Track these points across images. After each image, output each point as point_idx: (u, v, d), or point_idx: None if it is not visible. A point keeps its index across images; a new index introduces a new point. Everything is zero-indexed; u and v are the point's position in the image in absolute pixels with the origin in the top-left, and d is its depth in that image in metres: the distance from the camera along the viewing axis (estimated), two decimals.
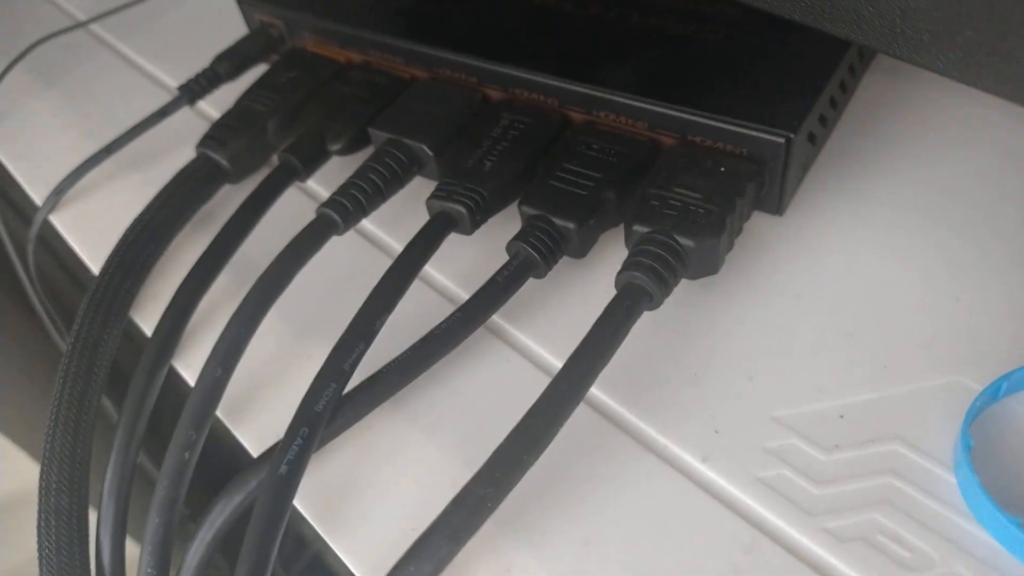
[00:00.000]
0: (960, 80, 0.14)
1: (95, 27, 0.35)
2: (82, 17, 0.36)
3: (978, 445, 0.17)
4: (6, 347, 0.40)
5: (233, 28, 0.29)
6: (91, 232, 0.27)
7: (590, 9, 0.25)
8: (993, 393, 0.17)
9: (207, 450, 0.20)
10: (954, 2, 0.14)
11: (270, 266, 0.21)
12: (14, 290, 0.31)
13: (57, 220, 0.27)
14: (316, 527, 0.18)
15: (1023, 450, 0.17)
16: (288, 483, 0.17)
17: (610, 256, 0.22)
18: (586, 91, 0.22)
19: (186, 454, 0.19)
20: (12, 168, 0.30)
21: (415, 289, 0.21)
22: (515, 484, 0.16)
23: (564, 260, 0.21)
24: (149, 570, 0.19)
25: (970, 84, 0.14)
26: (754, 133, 0.20)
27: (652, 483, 0.17)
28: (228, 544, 0.19)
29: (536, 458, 0.17)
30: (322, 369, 0.19)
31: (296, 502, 0.18)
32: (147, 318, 0.24)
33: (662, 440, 0.18)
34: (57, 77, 0.34)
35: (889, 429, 0.17)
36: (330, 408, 0.18)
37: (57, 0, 0.38)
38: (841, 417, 0.18)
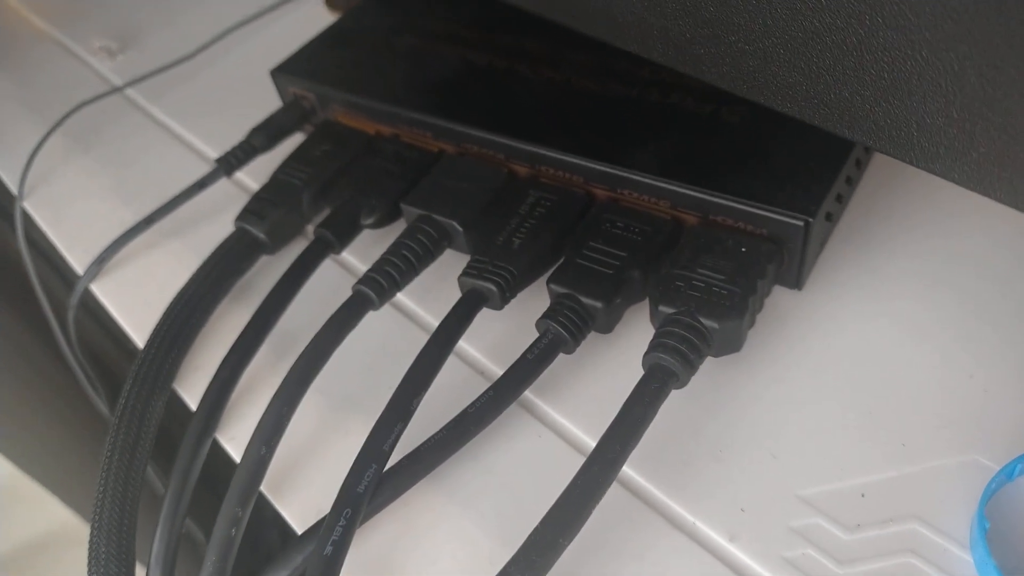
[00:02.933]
0: (976, 191, 0.15)
1: (130, 91, 0.37)
2: (118, 82, 0.37)
3: (993, 524, 0.18)
4: (50, 405, 0.41)
5: (265, 89, 0.30)
6: (132, 301, 0.28)
7: (611, 87, 0.26)
8: (1008, 473, 0.18)
9: (250, 523, 0.21)
10: (968, 120, 0.15)
11: (309, 344, 0.22)
12: (56, 354, 0.32)
13: (98, 289, 0.28)
14: None
15: None
16: (333, 563, 0.18)
17: (636, 330, 0.23)
18: (609, 171, 0.23)
19: (232, 530, 0.20)
20: (52, 235, 0.31)
21: (448, 362, 0.22)
22: (550, 567, 0.17)
23: (591, 334, 0.22)
24: None
25: (984, 194, 0.15)
26: (774, 216, 0.21)
27: (682, 561, 0.18)
28: None
29: (570, 541, 0.17)
30: (362, 450, 0.19)
31: None
32: (190, 389, 0.25)
33: (690, 518, 0.19)
34: (94, 142, 0.35)
35: (908, 508, 0.18)
36: (371, 488, 0.19)
37: (92, 63, 0.40)
38: (862, 496, 0.18)
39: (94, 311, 0.30)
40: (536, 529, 0.17)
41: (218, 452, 0.23)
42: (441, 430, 0.20)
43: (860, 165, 0.24)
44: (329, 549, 0.18)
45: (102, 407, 0.32)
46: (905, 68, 0.15)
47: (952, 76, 0.14)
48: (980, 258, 0.22)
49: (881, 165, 0.25)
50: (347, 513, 0.19)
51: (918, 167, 0.16)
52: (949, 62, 0.14)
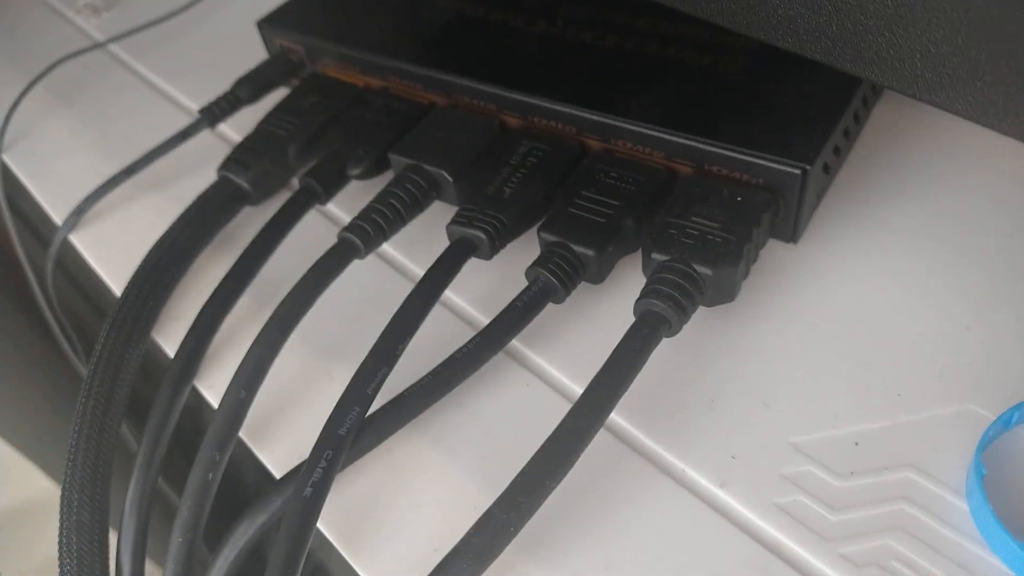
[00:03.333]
0: (979, 122, 0.15)
1: (114, 47, 0.36)
2: (101, 38, 0.36)
3: (990, 473, 0.17)
4: (21, 366, 0.40)
5: (251, 48, 0.30)
6: (111, 252, 0.27)
7: (608, 40, 0.25)
8: (1006, 422, 0.18)
9: (226, 476, 0.20)
10: (974, 48, 0.14)
11: (292, 289, 0.22)
12: (31, 310, 0.31)
13: (77, 240, 0.28)
14: (339, 549, 0.18)
15: None
16: (313, 504, 0.18)
17: (627, 281, 0.22)
18: (603, 120, 0.23)
19: (209, 475, 0.19)
20: (31, 187, 0.30)
21: (435, 313, 0.21)
22: (536, 509, 0.17)
23: (582, 285, 0.22)
24: None
25: (989, 127, 0.15)
26: (771, 164, 0.21)
27: (670, 507, 0.18)
28: (248, 565, 0.19)
29: (557, 483, 0.17)
30: (345, 392, 0.19)
31: (319, 524, 0.18)
32: (169, 339, 0.24)
33: (680, 465, 0.18)
34: (76, 97, 0.34)
35: (903, 456, 0.18)
36: (353, 431, 0.19)
37: (76, 21, 0.39)
38: (856, 444, 0.18)
39: (73, 268, 0.29)
40: (523, 471, 0.17)
41: (198, 411, 0.23)
42: (426, 376, 0.20)
43: (859, 119, 0.24)
44: (309, 491, 0.18)
45: (79, 366, 0.31)
46: None
47: (958, 0, 0.14)
48: (979, 214, 0.22)
49: (880, 121, 0.25)
50: (328, 455, 0.18)
51: (921, 99, 0.16)
52: None
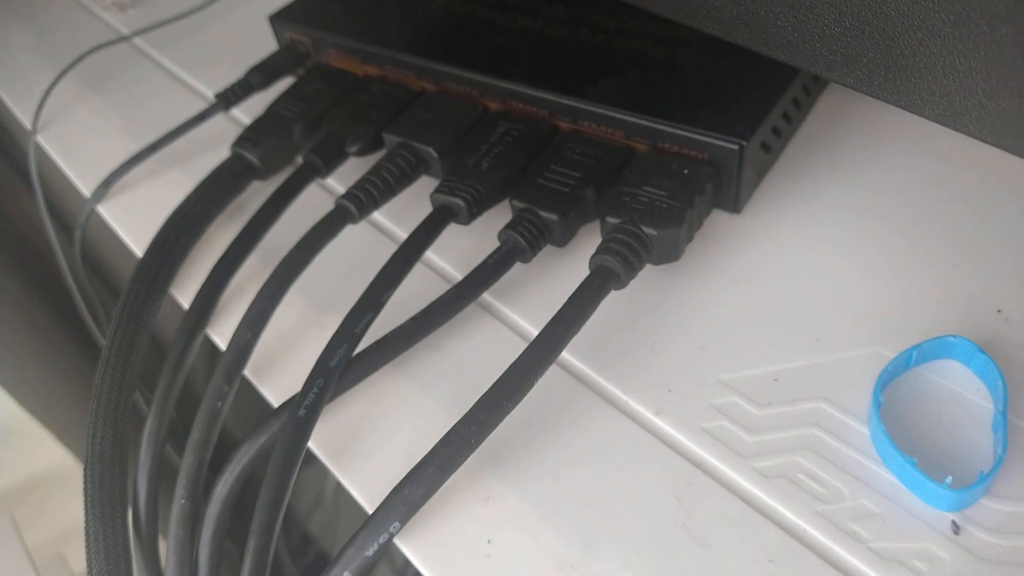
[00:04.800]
0: (865, 92, 0.18)
1: (138, 40, 0.39)
2: (126, 31, 0.39)
3: (891, 405, 0.20)
4: (40, 337, 0.43)
5: (264, 42, 0.33)
6: (135, 220, 0.30)
7: (581, 35, 0.28)
8: (906, 360, 0.20)
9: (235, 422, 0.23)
10: (857, 28, 0.17)
11: (294, 248, 0.24)
12: (54, 285, 0.34)
13: (104, 210, 0.31)
14: (328, 464, 0.21)
15: (928, 408, 0.20)
16: (306, 423, 0.20)
17: (589, 246, 0.25)
18: (571, 103, 0.26)
19: (218, 403, 0.22)
20: (63, 164, 0.34)
21: (420, 272, 0.24)
22: (496, 426, 0.20)
23: (548, 248, 0.24)
24: (183, 501, 0.22)
25: (873, 96, 0.18)
26: (712, 140, 0.23)
27: (612, 430, 0.21)
28: (249, 487, 0.22)
29: (515, 405, 0.20)
30: (336, 332, 0.22)
31: (311, 445, 0.21)
32: (185, 294, 0.27)
33: (623, 397, 0.21)
34: (103, 85, 0.37)
35: (816, 390, 0.20)
36: (342, 364, 0.21)
37: (103, 16, 0.42)
38: (776, 380, 0.21)
39: (99, 238, 0.32)
40: (484, 394, 0.20)
41: (211, 360, 0.26)
42: (407, 321, 0.23)
43: (799, 104, 0.26)
44: (302, 412, 0.21)
45: (99, 336, 0.34)
46: None
47: None
48: (908, 189, 0.25)
49: (825, 107, 0.28)
50: (320, 383, 0.21)
51: (821, 75, 0.18)
52: None
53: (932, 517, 0.18)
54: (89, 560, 0.23)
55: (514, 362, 0.20)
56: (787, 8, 0.18)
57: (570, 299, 0.21)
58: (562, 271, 0.25)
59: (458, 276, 0.26)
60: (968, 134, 0.17)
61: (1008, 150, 0.17)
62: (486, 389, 0.20)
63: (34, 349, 0.44)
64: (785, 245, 0.24)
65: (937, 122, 0.17)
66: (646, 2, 0.22)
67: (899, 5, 0.16)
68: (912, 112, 0.18)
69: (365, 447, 0.22)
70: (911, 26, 0.16)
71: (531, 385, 0.20)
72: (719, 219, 0.25)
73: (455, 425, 0.19)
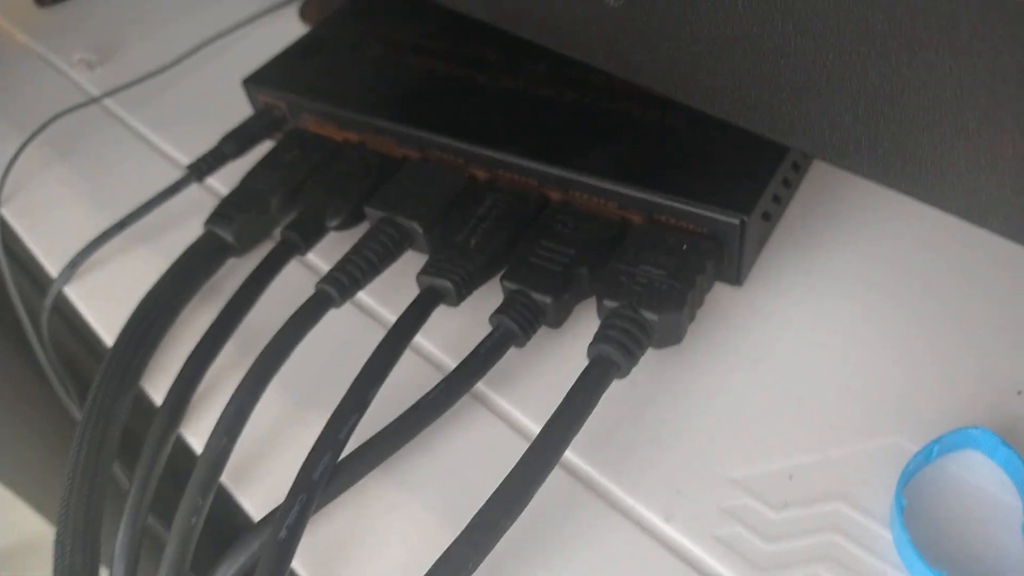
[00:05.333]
0: (880, 183, 0.16)
1: (108, 102, 0.38)
2: (96, 92, 0.38)
3: (913, 503, 0.19)
4: (18, 409, 0.42)
5: (238, 100, 0.31)
6: (104, 303, 0.28)
7: (567, 95, 0.27)
8: (927, 455, 0.19)
9: (211, 513, 0.21)
10: (873, 117, 0.16)
11: (272, 340, 0.23)
12: (28, 356, 0.33)
13: (72, 292, 0.29)
14: None
15: (953, 508, 0.19)
16: (287, 546, 0.19)
17: (584, 325, 0.24)
18: (561, 174, 0.24)
19: (193, 519, 0.21)
20: (28, 240, 0.32)
21: (405, 358, 0.23)
22: (493, 546, 0.18)
23: (542, 329, 0.23)
24: None
25: (888, 187, 0.16)
26: (712, 215, 0.22)
27: (619, 541, 0.19)
28: None
29: (512, 522, 0.18)
30: (319, 439, 0.20)
31: (294, 564, 0.20)
32: (157, 387, 0.25)
33: (629, 500, 0.20)
34: (72, 151, 0.36)
35: (833, 488, 0.19)
36: (326, 476, 0.20)
37: (70, 75, 0.41)
38: (790, 478, 0.19)
39: (67, 317, 0.31)
40: (480, 511, 0.18)
41: (183, 451, 0.24)
42: (395, 420, 0.21)
43: (798, 168, 0.25)
44: (283, 533, 0.19)
45: (74, 410, 0.32)
46: (816, 70, 0.16)
47: (857, 76, 0.16)
48: (909, 259, 0.23)
49: (821, 170, 0.26)
50: (302, 499, 0.20)
51: (830, 163, 0.17)
52: (853, 63, 0.15)
53: None
54: None
55: (511, 472, 0.19)
56: (792, 92, 0.17)
57: (569, 395, 0.20)
58: (558, 354, 0.23)
59: (447, 360, 0.24)
60: (996, 232, 0.15)
61: None
62: (483, 497, 0.18)
63: (8, 421, 0.43)
64: (790, 321, 0.23)
65: (961, 218, 0.16)
66: (645, 80, 0.20)
67: (917, 99, 0.15)
68: (932, 206, 0.16)
69: (352, 563, 0.20)
70: (931, 121, 0.15)
71: (530, 498, 0.19)
72: (720, 291, 0.24)
73: (449, 548, 0.18)
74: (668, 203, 0.23)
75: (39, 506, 0.48)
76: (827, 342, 0.22)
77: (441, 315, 0.24)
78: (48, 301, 0.29)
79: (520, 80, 0.28)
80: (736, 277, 0.24)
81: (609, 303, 0.22)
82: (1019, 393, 0.20)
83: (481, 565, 0.18)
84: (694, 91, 0.19)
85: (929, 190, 0.16)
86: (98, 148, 0.36)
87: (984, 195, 0.15)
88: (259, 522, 0.20)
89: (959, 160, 0.15)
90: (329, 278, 0.24)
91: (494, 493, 0.18)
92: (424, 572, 0.18)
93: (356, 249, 0.25)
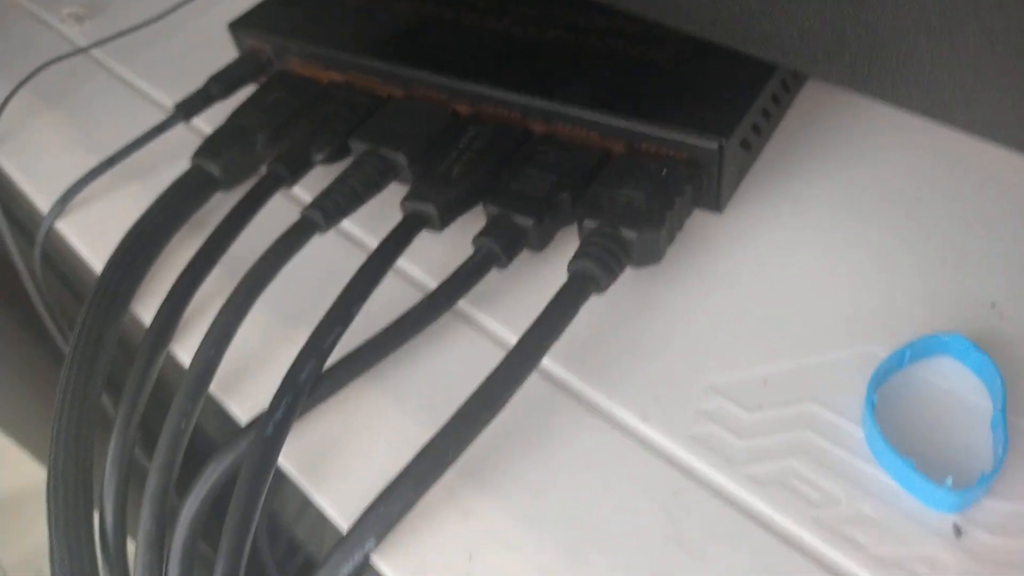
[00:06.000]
0: (849, 88, 0.17)
1: (96, 52, 0.38)
2: (83, 43, 0.38)
3: (884, 405, 0.19)
4: (10, 352, 0.42)
5: (226, 51, 0.32)
6: (95, 237, 0.29)
7: (551, 34, 0.27)
8: (899, 359, 0.20)
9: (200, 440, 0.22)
10: (839, 21, 0.16)
11: (258, 260, 0.23)
12: (19, 298, 0.33)
13: (62, 226, 0.30)
14: (300, 482, 0.20)
15: (924, 409, 0.19)
16: (273, 443, 0.19)
17: (566, 250, 0.24)
18: (544, 105, 0.25)
19: (182, 423, 0.21)
20: (19, 180, 0.32)
21: (392, 282, 0.23)
22: (473, 439, 0.19)
23: (525, 254, 0.24)
24: (148, 526, 0.21)
25: (857, 92, 0.17)
26: (691, 140, 0.23)
27: (596, 440, 0.20)
28: (218, 505, 0.21)
29: (493, 417, 0.19)
30: (304, 347, 0.21)
31: (282, 461, 0.20)
32: (146, 311, 0.26)
33: (607, 404, 0.20)
34: (60, 99, 0.36)
35: (807, 392, 0.20)
36: (311, 380, 0.20)
37: (60, 28, 0.41)
38: (765, 383, 0.20)
39: (58, 254, 0.31)
40: (461, 406, 0.19)
41: (174, 372, 0.25)
42: (379, 333, 0.22)
43: (779, 101, 0.26)
44: (269, 430, 0.19)
45: (64, 347, 0.33)
46: None
47: None
48: (894, 183, 0.24)
49: (805, 103, 0.27)
50: (287, 400, 0.20)
51: (802, 70, 0.18)
52: None
53: (932, 520, 0.17)
54: None
55: (492, 372, 0.19)
56: (763, 2, 0.17)
57: (549, 305, 0.21)
58: (540, 277, 0.24)
59: (432, 285, 0.24)
60: (959, 129, 0.16)
61: (1001, 144, 0.16)
62: (463, 401, 0.19)
63: (3, 363, 0.43)
64: (769, 244, 0.23)
65: (926, 117, 0.16)
66: (618, 1, 0.21)
67: None
68: (899, 107, 0.17)
69: (338, 464, 0.20)
70: (895, 18, 0.16)
71: (510, 395, 0.19)
72: (701, 219, 0.24)
73: (431, 439, 0.18)
74: (648, 130, 0.23)
75: (36, 451, 0.48)
76: (805, 262, 0.23)
77: (426, 241, 0.24)
78: (40, 236, 0.29)
79: (504, 20, 0.28)
80: (716, 204, 0.24)
81: (589, 223, 0.22)
82: (993, 306, 0.21)
83: (462, 457, 0.18)
84: (665, 7, 0.20)
85: (895, 90, 0.17)
86: (87, 96, 0.36)
87: (948, 91, 0.16)
88: (246, 425, 0.21)
89: (923, 58, 0.16)
90: (314, 205, 0.25)
91: (474, 392, 0.19)
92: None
93: (341, 178, 0.25)
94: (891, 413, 0.19)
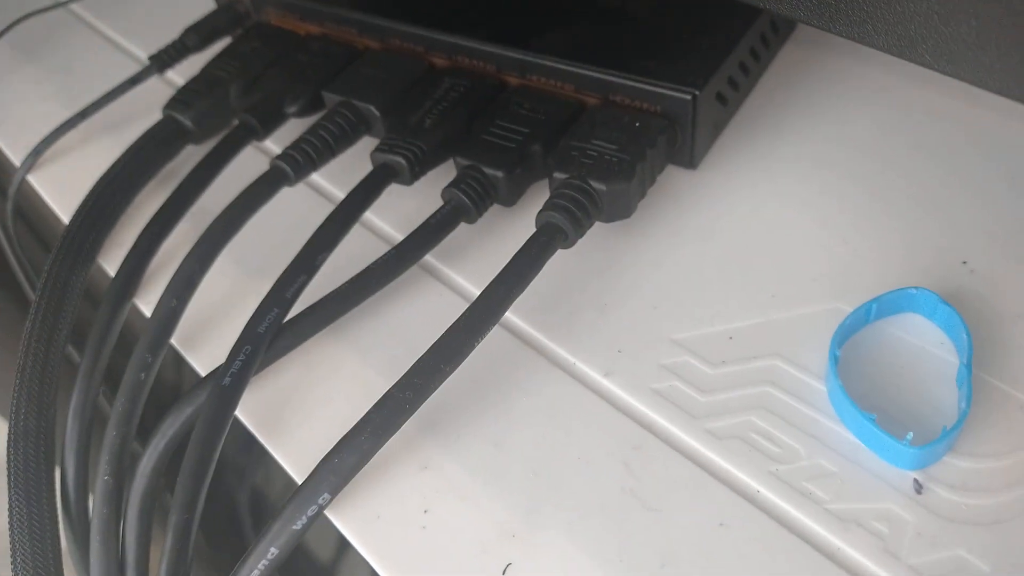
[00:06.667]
0: (819, 26, 0.17)
1: (75, 7, 0.37)
2: None
3: (849, 361, 0.19)
4: None
5: (206, 5, 0.31)
6: (66, 189, 0.28)
7: None
8: (865, 313, 0.19)
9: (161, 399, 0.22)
10: None
11: (225, 209, 0.23)
12: None
13: (35, 179, 0.29)
14: (256, 434, 0.20)
15: (889, 364, 0.19)
16: (230, 393, 0.19)
17: (538, 205, 0.24)
18: (518, 56, 0.24)
19: (142, 374, 0.21)
20: None
21: (360, 235, 0.23)
22: (433, 390, 0.18)
23: (496, 208, 0.23)
24: (106, 477, 0.20)
25: (828, 30, 0.16)
26: (664, 91, 0.22)
27: (559, 394, 0.19)
28: (177, 460, 0.21)
29: (453, 369, 0.18)
30: (266, 297, 0.21)
31: (239, 414, 0.20)
32: (113, 263, 0.25)
33: (570, 359, 0.20)
34: (38, 53, 0.36)
35: (771, 348, 0.19)
36: (272, 330, 0.20)
37: None
38: (730, 338, 0.20)
39: (31, 206, 0.31)
40: (422, 357, 0.18)
41: (139, 322, 0.24)
42: (343, 284, 0.21)
43: (757, 55, 0.25)
44: (227, 380, 0.19)
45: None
46: None
47: None
48: (869, 141, 0.24)
49: (786, 60, 0.26)
50: (247, 350, 0.20)
51: (767, 7, 0.17)
52: None
53: (893, 476, 0.17)
54: (13, 544, 0.21)
55: (453, 323, 0.19)
56: None
57: (514, 258, 0.20)
58: (510, 231, 0.23)
59: (401, 238, 0.24)
60: (925, 65, 0.16)
61: (966, 79, 0.15)
62: (424, 352, 0.19)
63: None
64: (742, 201, 0.23)
65: (892, 54, 0.16)
66: None
67: None
68: (866, 44, 0.16)
69: (296, 416, 0.20)
70: None
71: (471, 348, 0.19)
72: (674, 175, 0.24)
73: (389, 390, 0.18)
74: (622, 81, 0.23)
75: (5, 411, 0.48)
76: (778, 218, 0.22)
77: (397, 195, 0.24)
78: (12, 189, 0.29)
79: None
80: (690, 160, 0.24)
81: (559, 175, 0.22)
82: (964, 263, 0.20)
83: (421, 410, 0.18)
84: None
85: (861, 25, 0.16)
86: (64, 49, 0.35)
87: (913, 25, 0.15)
88: (205, 377, 0.21)
89: None
90: (284, 155, 0.24)
91: (436, 342, 0.19)
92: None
93: (312, 130, 0.25)
94: (855, 368, 0.19)
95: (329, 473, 0.18)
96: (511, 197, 0.23)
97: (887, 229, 0.21)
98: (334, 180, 0.27)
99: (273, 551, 0.17)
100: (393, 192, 0.23)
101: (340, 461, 0.18)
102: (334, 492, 0.18)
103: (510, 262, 0.20)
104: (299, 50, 0.28)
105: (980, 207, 0.21)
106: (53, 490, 0.22)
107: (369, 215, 0.24)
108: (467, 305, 0.22)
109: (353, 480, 0.18)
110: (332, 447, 0.18)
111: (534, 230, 0.21)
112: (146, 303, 0.24)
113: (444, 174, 0.24)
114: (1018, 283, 0.20)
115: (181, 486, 0.18)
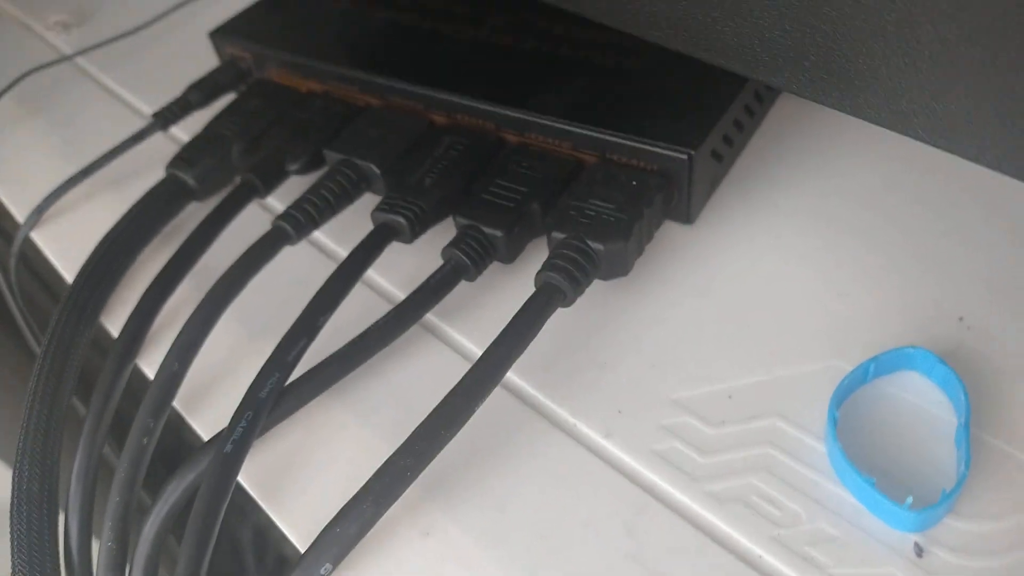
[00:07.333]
0: (808, 98, 0.17)
1: (80, 60, 0.38)
2: (68, 51, 0.38)
3: (849, 420, 0.19)
4: None
5: (209, 61, 0.32)
6: (69, 247, 0.29)
7: (527, 44, 0.27)
8: (863, 372, 0.19)
9: (167, 449, 0.22)
10: (799, 31, 0.16)
11: (227, 270, 0.23)
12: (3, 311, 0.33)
13: (38, 237, 0.29)
14: (258, 501, 0.20)
15: (888, 423, 0.19)
16: (232, 460, 0.19)
17: (536, 263, 0.24)
18: (517, 115, 0.25)
19: (144, 439, 0.21)
20: None
21: (362, 294, 0.23)
22: (434, 456, 0.18)
23: (495, 266, 0.23)
24: (110, 544, 0.20)
25: (815, 101, 0.17)
26: (661, 150, 0.22)
27: (560, 456, 0.19)
28: (181, 524, 0.21)
29: (454, 433, 0.19)
30: (267, 360, 0.21)
31: (241, 479, 0.20)
32: (116, 323, 0.26)
33: (571, 420, 0.20)
34: (43, 107, 0.36)
35: (771, 407, 0.19)
36: (273, 395, 0.20)
37: (46, 36, 0.41)
38: (730, 397, 0.20)
39: (35, 263, 0.31)
40: (423, 422, 0.19)
41: (142, 388, 0.25)
42: (344, 346, 0.22)
43: (752, 112, 0.25)
44: (229, 447, 0.19)
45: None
46: None
47: None
48: (866, 194, 0.24)
49: (779, 115, 0.27)
50: (248, 416, 0.20)
51: (761, 79, 0.18)
52: None
53: (894, 539, 0.17)
54: None
55: (454, 387, 0.19)
56: (726, 13, 0.17)
57: (514, 319, 0.20)
58: (509, 289, 0.24)
59: (401, 296, 0.24)
60: (918, 139, 0.16)
61: (960, 155, 0.16)
62: (425, 417, 0.19)
63: None
64: (739, 256, 0.23)
65: (885, 127, 0.16)
66: (583, 9, 0.21)
67: (840, 5, 0.15)
68: (859, 117, 0.17)
69: (299, 482, 0.20)
70: (853, 27, 0.15)
71: (472, 411, 0.19)
72: (671, 231, 0.24)
73: (390, 457, 0.18)
74: (618, 140, 0.23)
75: (8, 458, 0.48)
76: (775, 273, 0.22)
77: (397, 253, 0.24)
78: (15, 246, 0.29)
79: (482, 31, 0.28)
80: (687, 216, 0.24)
81: (557, 235, 0.22)
82: (960, 319, 0.20)
83: (423, 474, 0.18)
84: (631, 17, 0.20)
85: (854, 99, 0.16)
86: (69, 104, 0.36)
87: (905, 100, 0.15)
88: (207, 442, 0.21)
89: (880, 66, 0.16)
90: (286, 215, 0.24)
91: (436, 407, 0.19)
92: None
93: (314, 188, 0.25)
94: (855, 428, 0.19)
95: (331, 543, 0.18)
96: (510, 255, 0.23)
97: (884, 285, 0.21)
98: (335, 237, 0.27)
99: None
100: (393, 249, 0.24)
101: (342, 531, 0.18)
102: (336, 562, 0.18)
103: (509, 323, 0.20)
104: (300, 107, 0.29)
105: (977, 262, 0.21)
106: (57, 556, 0.22)
107: (370, 273, 0.25)
108: (467, 363, 0.22)
109: (355, 549, 0.18)
110: (334, 516, 0.18)
111: (533, 287, 0.21)
112: (149, 364, 0.24)
113: (444, 229, 0.24)
114: (1016, 339, 0.20)
115: (184, 555, 0.18)
